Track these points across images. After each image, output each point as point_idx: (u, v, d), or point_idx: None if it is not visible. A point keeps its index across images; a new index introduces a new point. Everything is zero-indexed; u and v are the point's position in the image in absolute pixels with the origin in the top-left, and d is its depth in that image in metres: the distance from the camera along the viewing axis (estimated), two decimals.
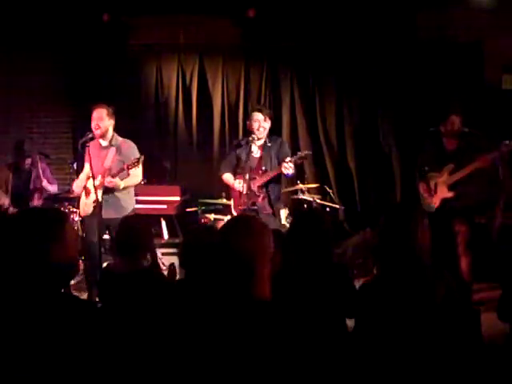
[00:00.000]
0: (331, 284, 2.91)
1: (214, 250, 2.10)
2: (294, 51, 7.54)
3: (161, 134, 7.78)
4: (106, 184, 5.28)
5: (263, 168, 5.47)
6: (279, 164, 5.35)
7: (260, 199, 5.43)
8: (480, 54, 7.19)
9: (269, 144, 5.51)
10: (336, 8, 7.21)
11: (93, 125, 5.40)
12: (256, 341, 1.92)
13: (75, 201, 6.39)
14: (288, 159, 5.25)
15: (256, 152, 5.52)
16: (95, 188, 5.19)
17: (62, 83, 7.64)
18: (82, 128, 6.54)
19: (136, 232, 3.42)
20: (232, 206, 5.79)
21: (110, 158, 5.43)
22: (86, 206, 5.45)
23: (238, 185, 5.48)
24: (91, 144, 5.37)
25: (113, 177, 5.29)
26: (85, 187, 5.49)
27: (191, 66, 7.70)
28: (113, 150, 5.47)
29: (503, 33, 7.07)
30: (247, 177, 5.28)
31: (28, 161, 6.62)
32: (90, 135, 5.28)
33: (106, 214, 5.20)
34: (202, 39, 7.59)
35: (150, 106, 7.75)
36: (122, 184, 5.33)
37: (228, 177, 5.66)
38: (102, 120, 5.41)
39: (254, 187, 5.38)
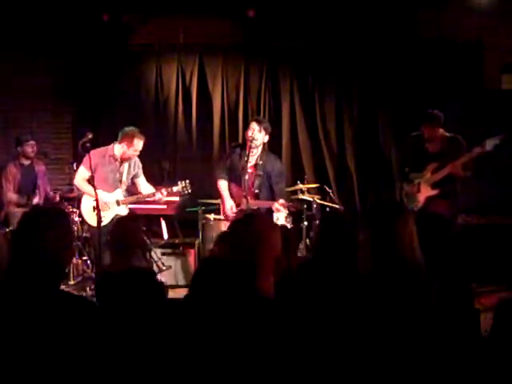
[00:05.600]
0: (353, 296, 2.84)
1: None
2: (294, 51, 7.54)
3: (161, 134, 7.78)
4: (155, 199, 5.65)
5: (256, 191, 5.46)
6: (270, 184, 5.45)
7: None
8: (480, 54, 7.20)
9: (260, 162, 5.48)
10: (336, 8, 7.21)
11: (135, 153, 5.61)
12: (258, 337, 1.92)
13: (75, 201, 6.41)
14: (281, 201, 5.34)
15: (248, 167, 5.50)
16: (117, 202, 5.59)
17: (62, 83, 7.64)
18: (81, 128, 6.56)
19: (125, 231, 3.49)
20: (221, 209, 5.76)
21: (126, 171, 5.68)
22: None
23: (228, 208, 5.49)
24: (106, 156, 5.55)
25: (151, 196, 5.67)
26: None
27: (191, 65, 7.70)
28: (127, 164, 5.69)
29: (503, 33, 7.08)
30: (246, 177, 5.30)
31: (34, 148, 6.59)
32: (90, 136, 5.28)
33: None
34: (202, 39, 7.59)
35: (150, 106, 7.76)
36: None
37: (223, 186, 5.60)
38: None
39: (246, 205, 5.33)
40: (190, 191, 5.70)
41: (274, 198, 5.49)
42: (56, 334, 1.98)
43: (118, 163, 5.63)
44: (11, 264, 2.12)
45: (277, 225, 2.18)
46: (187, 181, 5.67)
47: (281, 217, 5.58)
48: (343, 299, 2.62)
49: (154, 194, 5.62)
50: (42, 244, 2.08)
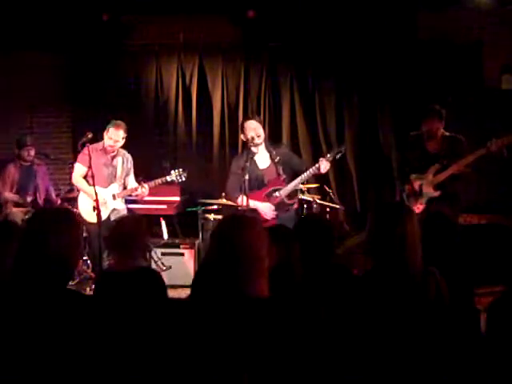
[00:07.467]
0: (331, 285, 2.90)
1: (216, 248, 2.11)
2: (294, 51, 7.54)
3: (160, 134, 7.79)
4: (142, 194, 5.68)
5: (283, 177, 5.30)
6: (288, 165, 5.34)
7: (294, 207, 5.42)
8: (479, 54, 7.19)
9: (274, 152, 5.32)
10: (336, 8, 7.21)
11: (110, 143, 5.59)
12: (253, 338, 1.92)
13: (75, 201, 6.40)
14: (329, 156, 5.42)
15: (264, 163, 5.32)
16: (113, 196, 5.64)
17: (62, 83, 7.64)
18: (81, 128, 6.56)
19: (125, 230, 3.42)
20: None
21: (120, 166, 5.72)
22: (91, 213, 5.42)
23: (268, 210, 5.22)
24: (98, 150, 5.58)
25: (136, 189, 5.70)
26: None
27: (191, 65, 7.71)
28: (120, 158, 5.74)
29: (503, 33, 7.08)
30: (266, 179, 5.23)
31: (31, 152, 6.61)
32: (90, 135, 5.31)
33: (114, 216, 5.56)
34: (202, 39, 7.59)
35: (150, 106, 7.76)
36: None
37: (244, 200, 5.05)
38: (118, 142, 5.63)
39: (283, 198, 5.25)
40: (184, 179, 5.77)
41: (296, 174, 5.36)
42: (64, 332, 1.99)
43: (109, 157, 5.68)
44: (18, 263, 2.11)
45: (263, 227, 2.18)
46: (180, 169, 5.76)
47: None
48: (343, 298, 2.63)
49: (137, 189, 5.67)
50: (51, 244, 2.09)
